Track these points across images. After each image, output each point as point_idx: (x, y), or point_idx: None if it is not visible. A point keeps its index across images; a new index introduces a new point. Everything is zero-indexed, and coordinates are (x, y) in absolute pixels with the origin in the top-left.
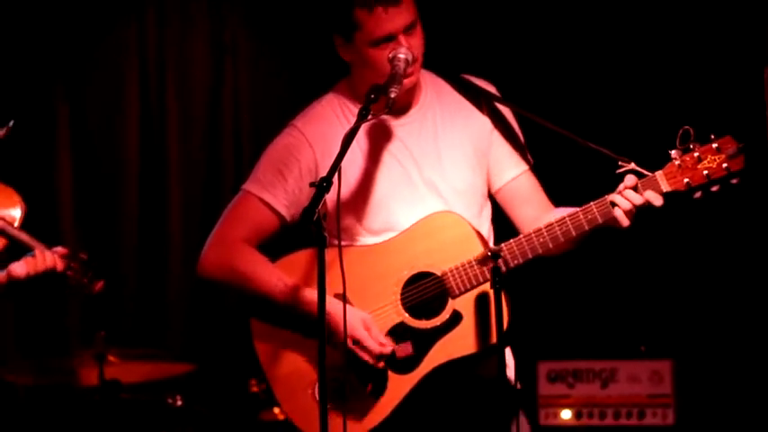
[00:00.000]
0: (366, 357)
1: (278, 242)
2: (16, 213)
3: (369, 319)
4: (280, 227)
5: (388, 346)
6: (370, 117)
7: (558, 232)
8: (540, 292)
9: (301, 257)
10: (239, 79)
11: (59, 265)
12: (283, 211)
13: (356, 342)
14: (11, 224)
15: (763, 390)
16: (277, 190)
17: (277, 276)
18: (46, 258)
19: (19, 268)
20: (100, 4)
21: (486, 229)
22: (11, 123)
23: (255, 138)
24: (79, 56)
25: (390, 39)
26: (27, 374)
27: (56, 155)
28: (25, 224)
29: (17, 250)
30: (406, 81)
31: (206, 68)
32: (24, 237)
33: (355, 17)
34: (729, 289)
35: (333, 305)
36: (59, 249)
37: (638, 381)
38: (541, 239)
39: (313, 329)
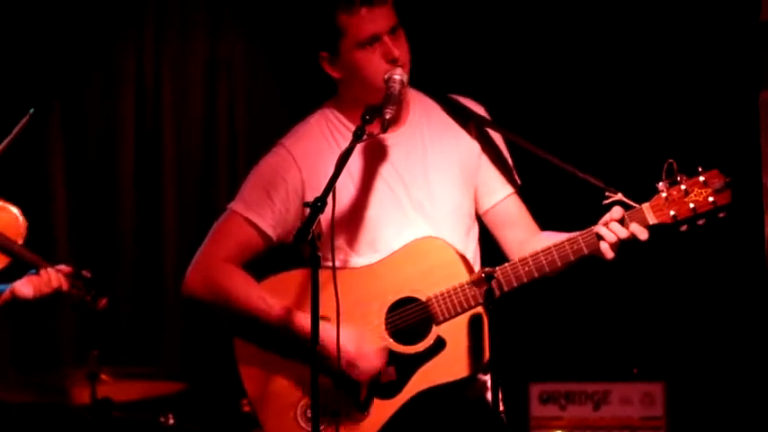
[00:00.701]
0: (360, 377)
1: (265, 262)
2: (20, 231)
3: (359, 335)
4: (266, 247)
5: (379, 360)
6: (365, 138)
7: (544, 262)
8: (531, 314)
9: (290, 278)
10: (235, 93)
11: (64, 285)
12: (269, 232)
13: (350, 364)
14: (15, 242)
15: (754, 412)
16: (263, 210)
17: (262, 297)
18: (51, 279)
19: (25, 289)
20: (98, 13)
21: (473, 251)
22: (31, 111)
23: (251, 152)
24: (75, 63)
25: (376, 39)
26: (19, 392)
27: (49, 167)
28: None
29: (17, 265)
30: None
31: (202, 81)
32: (28, 255)
33: (339, 23)
34: (721, 312)
35: (323, 329)
36: (63, 268)
37: (631, 403)
38: (527, 269)
39: (299, 351)
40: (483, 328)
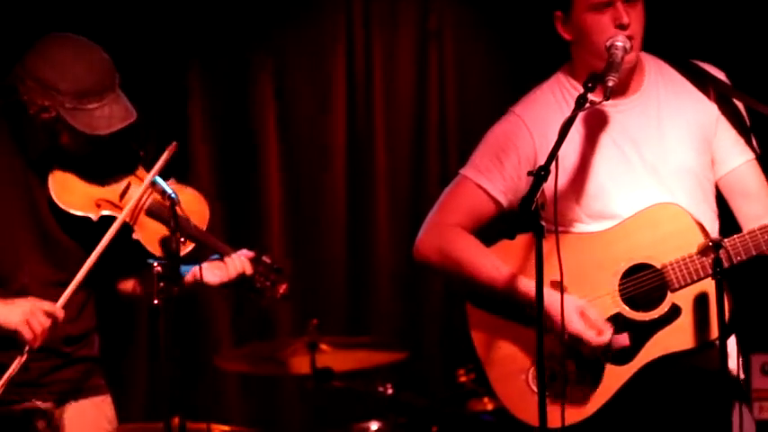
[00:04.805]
0: (584, 350)
1: (494, 226)
2: (204, 218)
3: (585, 306)
4: (496, 213)
5: (607, 334)
6: (587, 106)
7: None
8: (754, 283)
9: (518, 243)
10: (445, 66)
11: (248, 270)
12: (500, 198)
13: (573, 337)
14: (201, 229)
15: None
16: (494, 176)
17: (491, 263)
18: (236, 264)
19: (212, 276)
20: None
21: (710, 217)
22: (173, 145)
23: (461, 126)
24: (286, 45)
25: (609, 4)
26: (240, 362)
27: (262, 152)
28: (234, 221)
29: (199, 249)
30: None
31: (412, 53)
32: (212, 240)
33: None
34: None
35: (548, 296)
36: (245, 252)
37: None
38: (766, 237)
39: (528, 318)
40: (717, 296)
